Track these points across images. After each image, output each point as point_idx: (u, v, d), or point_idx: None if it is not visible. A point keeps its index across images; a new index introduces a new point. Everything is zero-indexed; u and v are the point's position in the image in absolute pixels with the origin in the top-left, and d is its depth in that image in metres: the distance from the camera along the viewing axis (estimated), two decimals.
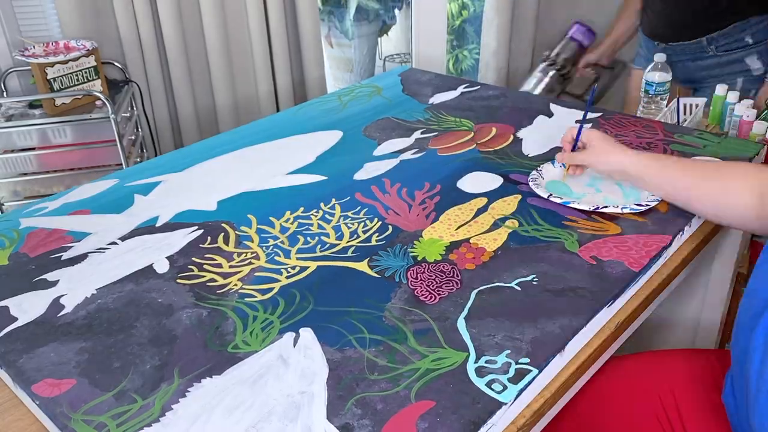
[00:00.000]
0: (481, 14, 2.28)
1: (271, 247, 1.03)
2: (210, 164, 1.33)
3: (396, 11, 3.52)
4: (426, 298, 0.90)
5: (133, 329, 0.87)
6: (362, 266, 0.97)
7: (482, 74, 2.30)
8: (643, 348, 1.15)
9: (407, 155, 1.32)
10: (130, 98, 2.04)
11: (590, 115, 1.46)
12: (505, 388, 0.74)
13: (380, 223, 1.08)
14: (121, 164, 1.86)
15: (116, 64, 2.05)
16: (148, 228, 1.10)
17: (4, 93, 1.96)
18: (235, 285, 0.95)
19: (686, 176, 1.00)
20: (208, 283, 0.95)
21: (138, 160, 2.04)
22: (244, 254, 1.02)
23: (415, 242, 1.02)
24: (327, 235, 1.06)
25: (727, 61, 1.84)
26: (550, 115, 1.48)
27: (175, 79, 2.14)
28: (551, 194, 1.10)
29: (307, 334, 0.84)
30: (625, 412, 0.97)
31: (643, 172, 1.04)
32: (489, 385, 0.75)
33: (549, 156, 1.27)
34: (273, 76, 2.25)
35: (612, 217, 1.06)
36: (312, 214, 1.12)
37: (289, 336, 0.84)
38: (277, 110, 2.30)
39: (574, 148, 1.14)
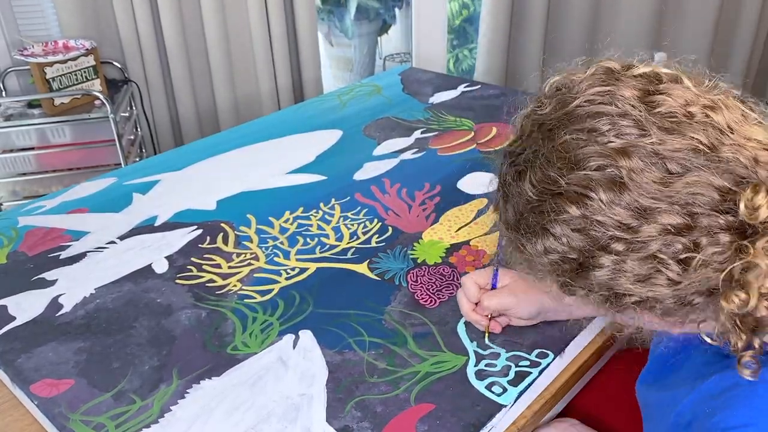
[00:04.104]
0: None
1: (271, 247, 1.03)
2: (209, 163, 1.32)
3: (396, 11, 3.51)
4: (426, 301, 0.89)
5: (131, 329, 0.86)
6: (362, 268, 0.97)
7: (482, 74, 2.30)
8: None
9: (407, 155, 1.31)
10: (129, 98, 2.03)
11: None
12: (505, 390, 0.74)
13: (380, 224, 1.08)
14: (120, 164, 1.85)
15: (115, 63, 2.04)
16: (147, 227, 1.10)
17: (3, 93, 1.95)
18: (235, 286, 0.94)
19: None
20: (207, 284, 0.95)
21: (137, 159, 2.03)
22: (244, 255, 1.01)
23: (415, 244, 1.02)
24: (327, 236, 1.05)
25: None
26: None
27: (175, 79, 2.13)
28: None
29: (306, 336, 0.84)
30: (622, 406, 0.96)
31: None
32: (489, 387, 0.75)
33: None
34: (274, 75, 2.24)
35: None
36: (311, 215, 1.11)
37: (289, 338, 0.84)
38: (279, 110, 2.30)
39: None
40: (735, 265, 0.48)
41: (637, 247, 0.50)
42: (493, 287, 0.82)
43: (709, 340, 0.56)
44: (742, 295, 0.48)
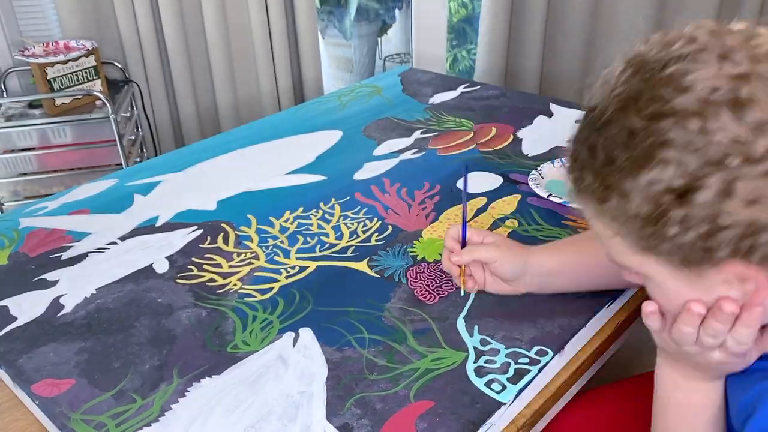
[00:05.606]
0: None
1: (271, 247, 1.03)
2: (210, 164, 1.33)
3: (396, 11, 3.52)
4: (425, 298, 0.90)
5: (132, 329, 0.87)
6: (362, 266, 0.97)
7: (481, 74, 2.30)
8: (640, 352, 1.14)
9: (407, 155, 1.32)
10: (130, 98, 2.04)
11: None
12: (504, 388, 0.74)
13: (380, 222, 1.08)
14: (121, 164, 1.86)
15: (116, 63, 2.05)
16: (148, 228, 1.10)
17: (4, 93, 1.96)
18: (235, 285, 0.95)
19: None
20: (207, 283, 0.95)
21: (138, 160, 2.04)
22: (244, 254, 1.02)
23: (414, 242, 1.02)
24: (326, 235, 1.05)
25: None
26: (550, 114, 1.48)
27: (175, 79, 2.14)
28: (551, 194, 1.10)
29: (306, 334, 0.84)
30: None
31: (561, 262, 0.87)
32: (488, 385, 0.75)
33: (549, 156, 1.27)
34: (275, 75, 2.25)
35: None
36: (312, 214, 1.12)
37: (289, 336, 0.84)
38: (279, 110, 2.30)
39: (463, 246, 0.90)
40: None
41: (754, 160, 0.48)
42: (463, 239, 0.88)
43: None
44: None
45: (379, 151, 1.34)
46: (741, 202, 0.49)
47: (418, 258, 0.98)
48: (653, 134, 0.51)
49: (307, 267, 0.98)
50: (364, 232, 1.06)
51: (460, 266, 0.88)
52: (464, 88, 1.67)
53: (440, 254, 0.99)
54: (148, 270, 0.99)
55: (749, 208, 0.49)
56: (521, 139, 1.36)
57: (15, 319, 0.90)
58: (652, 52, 0.55)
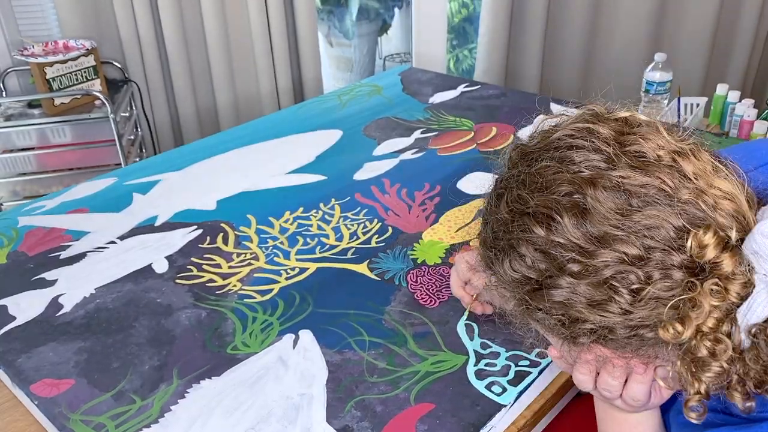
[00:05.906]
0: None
1: (271, 247, 1.03)
2: (209, 163, 1.32)
3: (396, 11, 3.51)
4: (426, 301, 0.89)
5: (132, 329, 0.86)
6: (362, 268, 0.97)
7: (481, 74, 2.30)
8: None
9: (407, 155, 1.31)
10: (129, 98, 2.03)
11: None
12: (504, 390, 0.74)
13: (380, 224, 1.08)
14: (120, 164, 1.85)
15: (115, 63, 2.04)
16: (147, 227, 1.10)
17: (3, 93, 1.95)
18: (235, 286, 0.94)
19: None
20: (207, 284, 0.95)
21: (137, 160, 2.03)
22: (244, 255, 1.01)
23: (415, 244, 1.02)
24: (326, 236, 1.05)
25: None
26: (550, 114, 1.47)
27: (175, 79, 2.14)
28: None
29: (306, 336, 0.84)
30: None
31: None
32: (489, 387, 0.75)
33: None
34: (274, 75, 2.25)
35: None
36: (311, 215, 1.11)
37: (289, 338, 0.84)
38: (279, 109, 2.30)
39: None
40: (681, 298, 0.50)
41: (593, 270, 0.51)
42: None
43: (662, 384, 0.58)
44: (678, 327, 0.50)
45: (379, 150, 1.34)
46: (585, 303, 0.52)
47: (419, 261, 0.98)
48: (513, 230, 0.55)
49: (307, 269, 0.98)
50: (364, 233, 1.06)
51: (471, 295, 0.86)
52: (464, 87, 1.67)
53: (440, 258, 0.99)
54: (148, 270, 0.99)
55: (593, 309, 0.52)
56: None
57: (14, 318, 0.89)
58: (532, 142, 0.59)
